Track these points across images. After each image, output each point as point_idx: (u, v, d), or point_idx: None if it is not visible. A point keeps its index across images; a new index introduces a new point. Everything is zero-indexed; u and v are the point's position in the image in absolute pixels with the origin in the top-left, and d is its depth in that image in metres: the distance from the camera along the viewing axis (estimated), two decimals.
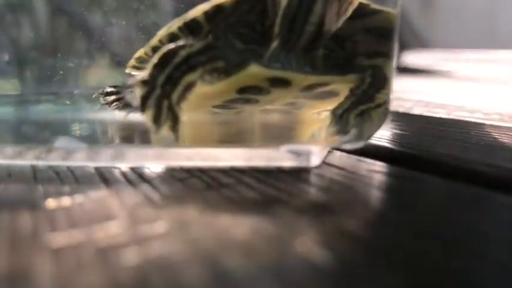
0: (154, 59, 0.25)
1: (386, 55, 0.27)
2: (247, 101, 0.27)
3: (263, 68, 0.26)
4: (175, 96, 0.25)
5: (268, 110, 0.29)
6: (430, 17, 1.37)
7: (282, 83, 0.26)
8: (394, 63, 0.28)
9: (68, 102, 0.32)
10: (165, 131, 0.25)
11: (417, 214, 0.20)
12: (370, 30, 0.27)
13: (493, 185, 0.23)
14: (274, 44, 0.26)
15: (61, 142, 0.27)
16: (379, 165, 0.27)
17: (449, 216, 0.20)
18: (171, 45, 0.26)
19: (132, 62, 0.29)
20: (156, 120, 0.25)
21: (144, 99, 0.25)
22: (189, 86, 0.26)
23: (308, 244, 0.17)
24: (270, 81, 0.26)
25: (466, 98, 0.61)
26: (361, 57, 0.27)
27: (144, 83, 0.25)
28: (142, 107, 0.25)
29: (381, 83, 0.27)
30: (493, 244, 0.17)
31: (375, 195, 0.23)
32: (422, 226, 0.19)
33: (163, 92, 0.25)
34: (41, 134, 0.29)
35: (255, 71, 0.26)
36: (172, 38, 0.27)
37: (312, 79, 0.26)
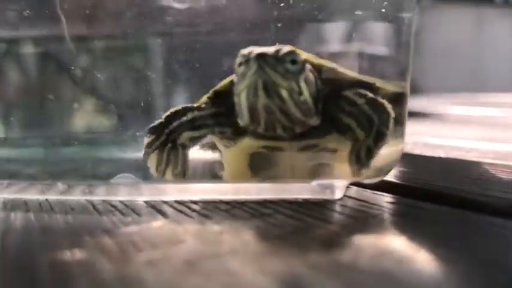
0: (168, 113, 0.31)
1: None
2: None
3: (254, 140, 0.30)
4: (179, 142, 0.31)
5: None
6: (419, 62, 1.43)
7: (275, 149, 0.30)
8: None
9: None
10: (168, 175, 0.31)
11: (431, 237, 0.24)
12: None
13: (495, 213, 0.27)
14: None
15: (119, 178, 0.31)
16: (393, 198, 0.31)
17: (457, 239, 0.24)
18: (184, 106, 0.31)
19: None
20: (159, 164, 0.31)
21: (149, 145, 0.31)
22: (194, 140, 0.31)
23: (350, 258, 0.21)
24: (265, 148, 0.30)
25: (459, 138, 0.65)
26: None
27: (152, 129, 0.31)
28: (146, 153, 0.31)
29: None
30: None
31: (397, 221, 0.27)
32: (436, 243, 0.23)
33: (167, 138, 0.31)
34: (99, 171, 0.33)
35: (248, 142, 0.30)
36: None
37: (301, 144, 0.30)
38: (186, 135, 0.31)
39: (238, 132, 0.30)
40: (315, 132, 0.30)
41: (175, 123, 0.31)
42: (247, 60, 0.28)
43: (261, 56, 0.27)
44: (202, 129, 0.31)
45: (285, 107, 0.28)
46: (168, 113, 0.31)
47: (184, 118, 0.31)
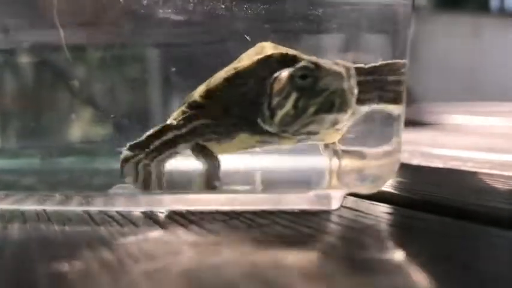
0: (149, 132, 0.31)
1: None
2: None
3: (250, 135, 0.30)
4: (156, 161, 0.31)
5: None
6: (416, 71, 1.44)
7: (273, 142, 0.31)
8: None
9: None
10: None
11: (428, 248, 0.24)
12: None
13: (493, 223, 0.27)
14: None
15: (116, 189, 0.31)
16: (390, 208, 0.32)
17: (454, 250, 0.24)
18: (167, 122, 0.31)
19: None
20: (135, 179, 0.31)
21: (125, 161, 0.31)
22: (174, 155, 0.31)
23: (347, 269, 0.21)
24: (259, 142, 0.31)
25: (457, 148, 0.65)
26: None
27: (131, 147, 0.31)
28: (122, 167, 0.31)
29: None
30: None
31: (394, 232, 0.27)
32: (434, 254, 0.23)
33: (145, 157, 0.31)
34: (97, 181, 0.33)
35: (244, 138, 0.30)
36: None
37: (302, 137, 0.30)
38: (167, 153, 0.31)
39: (230, 131, 0.31)
40: None
41: (156, 143, 0.31)
42: (321, 76, 0.27)
43: (339, 74, 0.27)
44: (184, 144, 0.31)
45: (341, 120, 0.28)
46: (149, 132, 0.31)
47: (165, 137, 0.31)
